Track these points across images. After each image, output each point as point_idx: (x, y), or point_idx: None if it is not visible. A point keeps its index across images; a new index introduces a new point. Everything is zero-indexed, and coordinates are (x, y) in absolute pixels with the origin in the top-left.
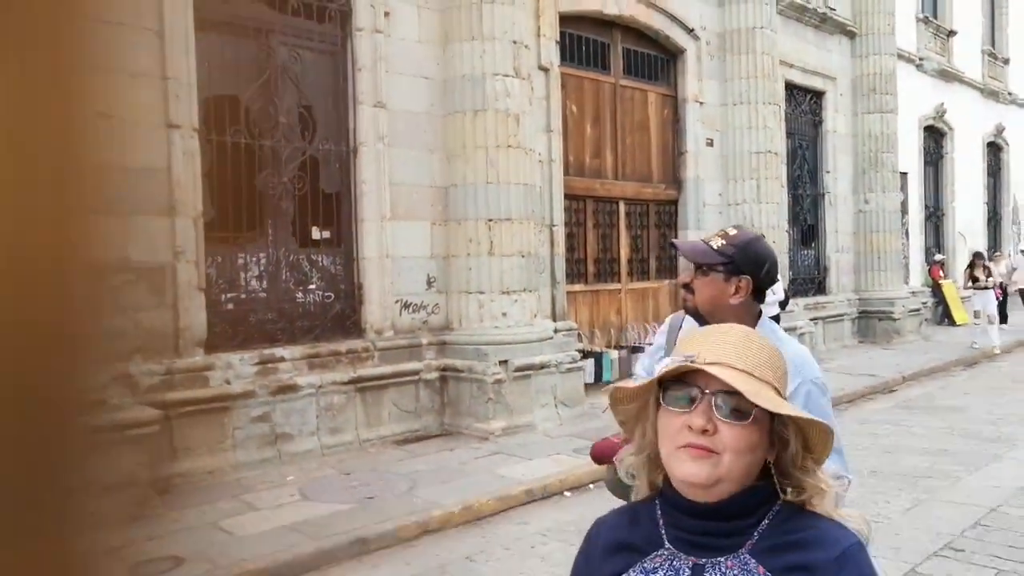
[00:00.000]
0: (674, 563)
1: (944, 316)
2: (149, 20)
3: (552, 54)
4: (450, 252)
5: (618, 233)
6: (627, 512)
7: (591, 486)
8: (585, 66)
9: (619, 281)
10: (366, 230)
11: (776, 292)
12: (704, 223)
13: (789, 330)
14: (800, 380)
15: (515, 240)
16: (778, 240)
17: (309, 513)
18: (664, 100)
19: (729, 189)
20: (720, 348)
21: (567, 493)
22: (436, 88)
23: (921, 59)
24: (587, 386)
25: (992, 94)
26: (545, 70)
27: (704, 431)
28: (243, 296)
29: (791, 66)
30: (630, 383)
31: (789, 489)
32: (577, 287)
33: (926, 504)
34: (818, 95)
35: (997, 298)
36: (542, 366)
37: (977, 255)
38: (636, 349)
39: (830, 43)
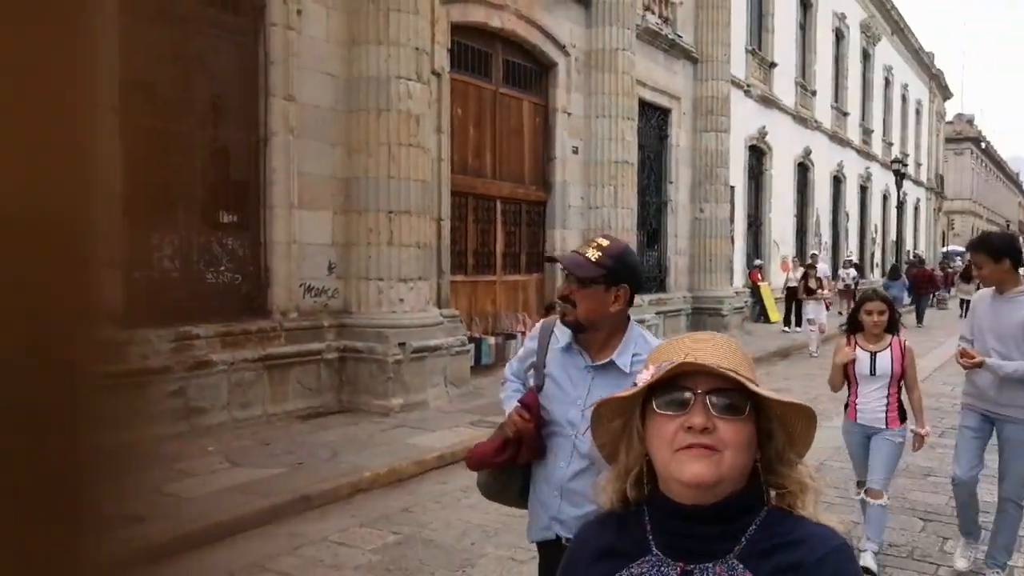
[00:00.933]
0: (662, 568)
1: (760, 314)
2: None
3: (444, 60)
4: (350, 241)
5: (495, 229)
6: (613, 519)
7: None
8: (470, 73)
9: (494, 273)
10: (274, 217)
11: None
12: (569, 223)
13: (639, 322)
14: None
15: (413, 232)
16: (631, 242)
17: (247, 477)
18: (536, 109)
19: (591, 194)
20: (702, 352)
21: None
22: (341, 85)
23: (748, 86)
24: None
25: (802, 120)
26: (438, 75)
27: (704, 429)
28: (157, 275)
29: (644, 85)
30: (619, 394)
31: (774, 491)
32: (459, 277)
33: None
34: (665, 112)
35: (828, 307)
36: (435, 349)
37: (809, 267)
38: (510, 336)
39: (676, 66)
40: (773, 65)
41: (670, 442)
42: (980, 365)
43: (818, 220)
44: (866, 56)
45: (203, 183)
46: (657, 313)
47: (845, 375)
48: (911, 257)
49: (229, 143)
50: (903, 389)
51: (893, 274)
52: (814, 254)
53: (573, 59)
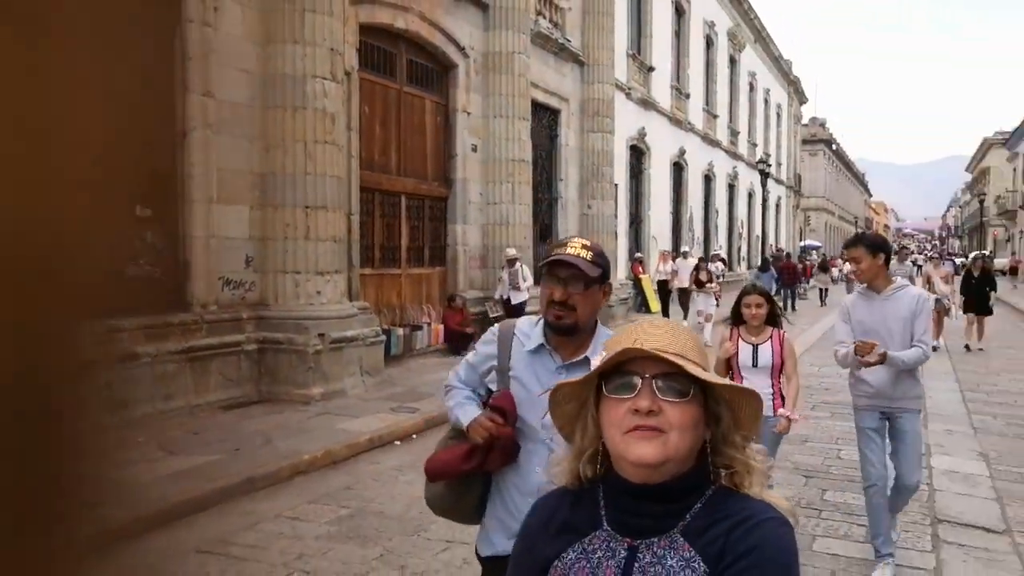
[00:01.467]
0: (611, 544)
1: (642, 305)
2: None
3: (353, 60)
4: (267, 235)
5: (400, 224)
6: (569, 495)
7: (414, 436)
8: (376, 73)
9: (400, 267)
10: (194, 211)
11: (527, 279)
12: (469, 218)
13: (532, 312)
14: None
15: (329, 226)
16: (527, 236)
17: (186, 464)
18: (438, 108)
19: (489, 190)
20: (653, 338)
21: (397, 442)
22: (257, 82)
23: (629, 89)
24: None
25: (677, 122)
26: (348, 74)
27: (650, 412)
28: None
29: (536, 87)
30: (573, 379)
31: (723, 471)
32: (366, 271)
33: None
34: (555, 113)
35: (717, 298)
36: (352, 339)
37: (701, 260)
38: (416, 328)
39: (565, 69)
40: (651, 69)
41: (620, 424)
42: (884, 359)
43: (691, 216)
44: (733, 62)
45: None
46: None
47: (728, 367)
48: (775, 251)
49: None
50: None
51: (764, 266)
52: (685, 251)
53: (472, 61)
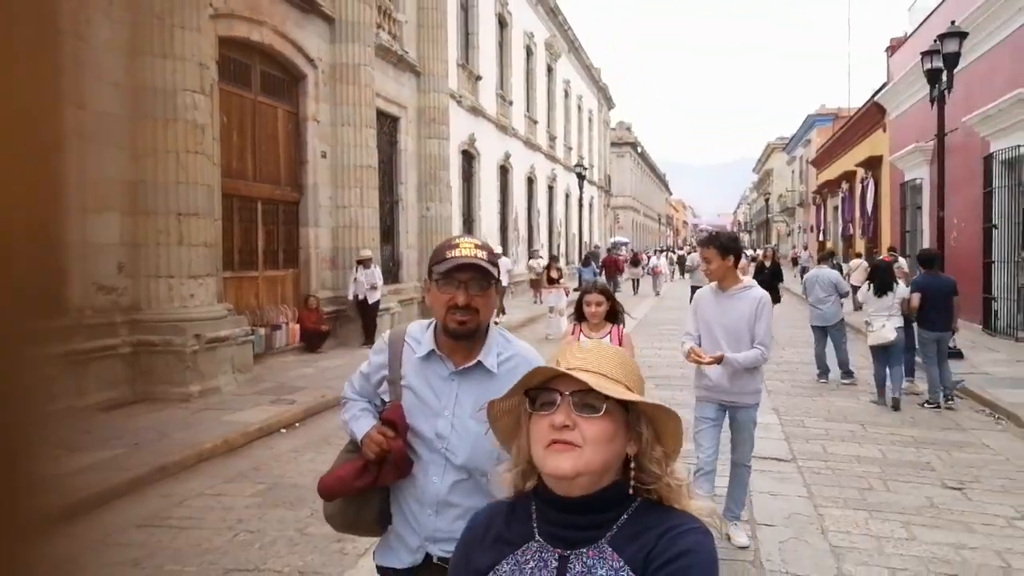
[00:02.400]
0: (543, 555)
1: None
2: None
3: (214, 72)
4: (139, 241)
5: (256, 228)
6: (505, 507)
7: (297, 424)
8: (233, 83)
9: (257, 270)
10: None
11: (380, 279)
12: (320, 222)
13: (384, 310)
14: None
15: (201, 232)
16: (374, 238)
17: (93, 458)
18: (289, 116)
19: (339, 194)
20: (577, 358)
21: (283, 430)
22: (127, 94)
23: (460, 97)
24: None
25: (503, 128)
26: (211, 86)
27: (565, 427)
28: None
29: (377, 95)
30: (496, 399)
31: (642, 481)
32: (227, 274)
33: None
34: (394, 120)
35: (567, 294)
36: (224, 339)
37: (553, 258)
38: (275, 327)
39: (403, 79)
40: (479, 78)
41: (541, 438)
42: (720, 361)
43: (516, 216)
44: (550, 71)
45: None
46: (398, 302)
47: None
48: (592, 248)
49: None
50: None
51: (586, 261)
52: (535, 250)
53: (320, 71)
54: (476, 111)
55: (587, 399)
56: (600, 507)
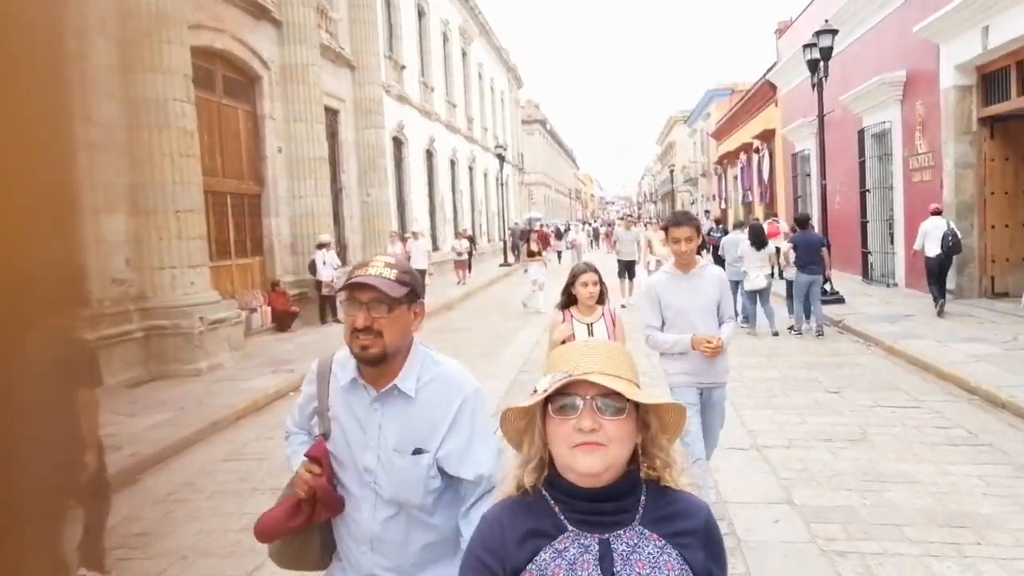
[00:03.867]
0: (582, 541)
1: None
2: None
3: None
4: (142, 237)
5: (228, 220)
6: (518, 506)
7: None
8: (201, 88)
9: (230, 259)
10: (84, 221)
11: (337, 261)
12: (280, 212)
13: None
14: (464, 395)
15: (196, 227)
16: (329, 225)
17: (151, 421)
18: (248, 116)
19: (295, 186)
20: (591, 360)
21: (291, 393)
22: (124, 106)
23: (389, 86)
24: None
25: (427, 114)
26: (192, 93)
27: (592, 430)
28: None
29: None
30: (518, 404)
31: (647, 466)
32: (208, 264)
33: (489, 361)
34: (335, 113)
35: (546, 265)
36: (223, 320)
37: (531, 231)
38: (252, 310)
39: (341, 74)
40: (404, 67)
41: (566, 440)
42: (721, 347)
43: (443, 198)
44: (464, 55)
45: None
46: None
47: None
48: (514, 224)
49: None
50: None
51: (523, 236)
52: (415, 232)
53: (273, 73)
54: (403, 99)
55: (612, 401)
56: (621, 493)
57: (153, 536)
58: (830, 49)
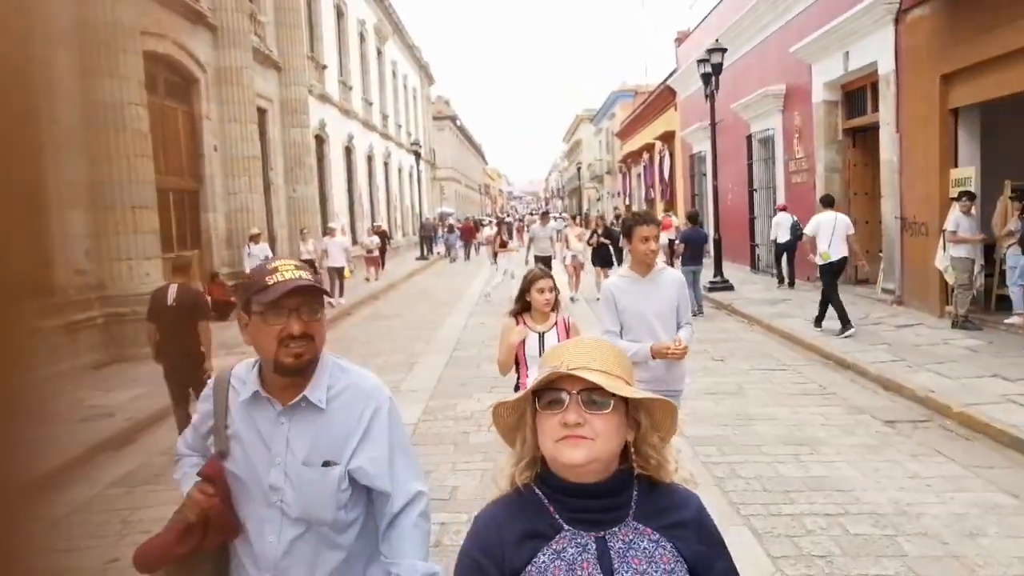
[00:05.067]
0: (578, 540)
1: None
2: None
3: None
4: (101, 231)
5: (170, 215)
6: (513, 505)
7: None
8: (146, 90)
9: (173, 251)
10: (49, 216)
11: (269, 252)
12: (217, 208)
13: None
14: (376, 404)
15: (150, 222)
16: (262, 219)
17: (131, 394)
18: (187, 116)
19: (230, 183)
20: (579, 356)
21: None
22: (81, 109)
23: (311, 86)
24: None
25: (345, 112)
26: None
27: (577, 424)
28: None
29: None
30: (509, 399)
31: (639, 463)
32: None
33: (424, 342)
34: (263, 112)
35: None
36: None
37: (500, 223)
38: None
39: (268, 75)
40: (324, 67)
41: (552, 434)
42: (686, 353)
43: (360, 194)
44: (379, 54)
45: None
46: None
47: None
48: (424, 219)
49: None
50: None
51: (451, 229)
52: (332, 227)
53: (209, 75)
54: (324, 98)
55: (595, 396)
56: (613, 490)
57: (167, 475)
58: (720, 65)
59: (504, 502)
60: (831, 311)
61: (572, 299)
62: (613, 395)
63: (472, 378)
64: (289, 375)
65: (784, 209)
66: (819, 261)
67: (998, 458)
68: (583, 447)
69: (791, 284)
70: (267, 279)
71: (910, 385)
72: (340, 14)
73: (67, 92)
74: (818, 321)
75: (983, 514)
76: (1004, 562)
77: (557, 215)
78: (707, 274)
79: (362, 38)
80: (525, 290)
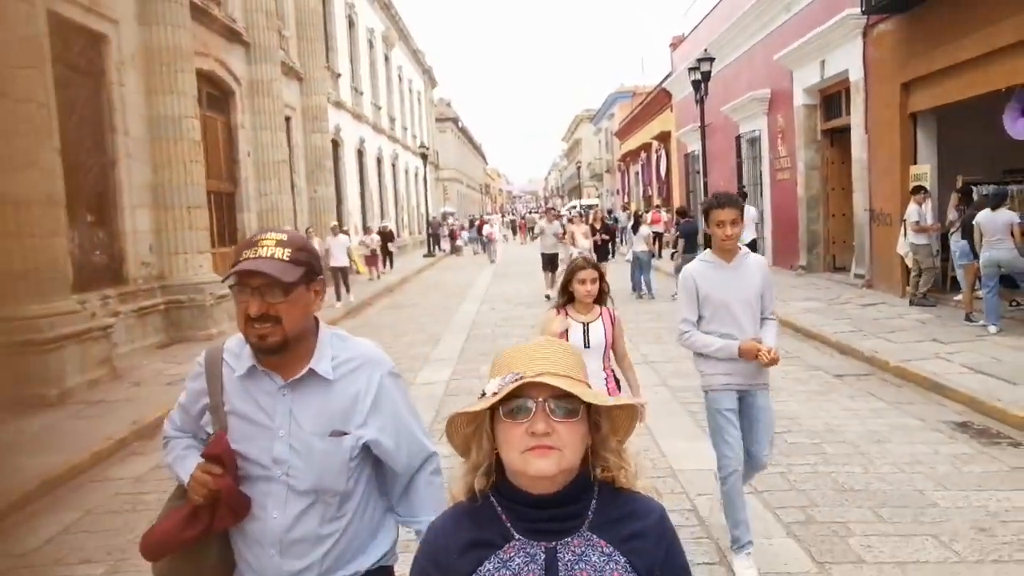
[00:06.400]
0: (528, 550)
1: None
2: None
3: None
4: (162, 228)
5: (212, 215)
6: (464, 514)
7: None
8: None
9: (215, 247)
10: (124, 215)
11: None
12: (251, 207)
13: None
14: (381, 372)
15: (202, 219)
16: (289, 219)
17: None
18: (225, 125)
19: (262, 185)
20: (539, 362)
21: None
22: (147, 122)
23: (328, 94)
24: None
25: (358, 117)
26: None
27: (546, 433)
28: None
29: None
30: (466, 409)
31: (600, 468)
32: None
33: (444, 324)
34: (287, 119)
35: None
36: (225, 296)
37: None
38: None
39: (292, 85)
40: (339, 75)
41: (517, 444)
42: (778, 358)
43: (371, 194)
44: (387, 60)
45: (84, 197)
46: None
47: None
48: (432, 219)
49: (92, 165)
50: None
51: (470, 226)
52: (334, 226)
53: (243, 88)
54: (339, 105)
55: (565, 403)
56: (571, 499)
57: None
58: (708, 73)
59: (456, 511)
60: None
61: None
62: (582, 402)
63: (490, 350)
64: (260, 354)
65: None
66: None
67: (919, 397)
68: (552, 457)
69: None
70: (244, 252)
71: (860, 348)
72: (351, 24)
73: (136, 108)
74: None
75: (892, 431)
76: (898, 458)
77: (573, 211)
78: None
79: (371, 45)
80: (567, 281)
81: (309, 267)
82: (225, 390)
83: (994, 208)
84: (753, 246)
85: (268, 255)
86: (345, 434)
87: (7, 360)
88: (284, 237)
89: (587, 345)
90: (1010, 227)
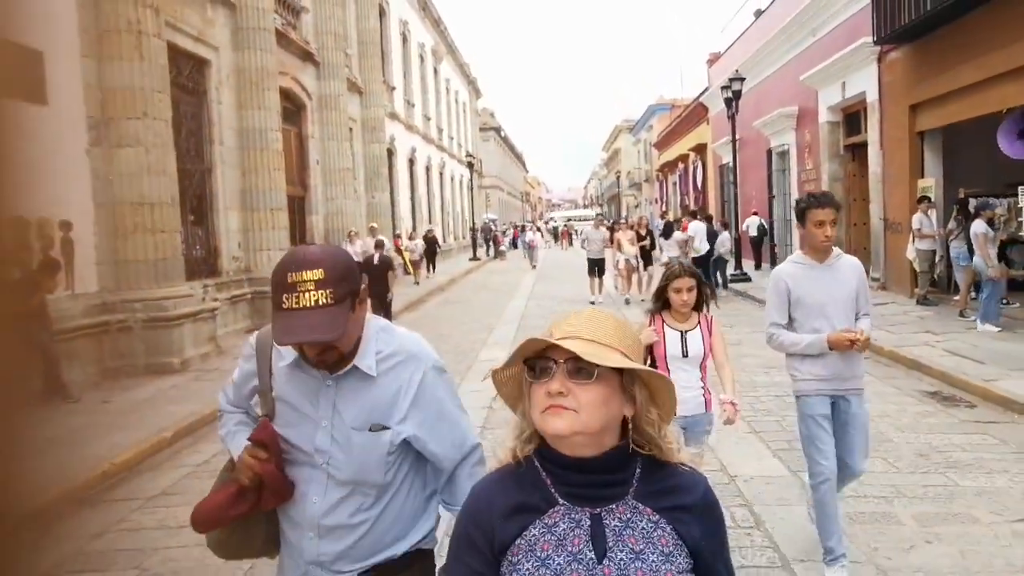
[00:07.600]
0: (572, 515)
1: (404, 270)
2: None
3: None
4: (249, 227)
5: (290, 216)
6: (509, 478)
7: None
8: None
9: (292, 243)
10: (220, 216)
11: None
12: (319, 210)
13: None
14: (425, 367)
15: (283, 220)
16: (354, 222)
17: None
18: (297, 136)
19: (330, 191)
20: (571, 326)
21: None
22: (237, 134)
23: (384, 106)
24: None
25: (410, 127)
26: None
27: (560, 393)
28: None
29: None
30: (496, 366)
31: (637, 442)
32: None
33: (496, 316)
34: (350, 131)
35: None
36: None
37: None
38: None
39: (354, 99)
40: (394, 88)
41: (539, 404)
42: (868, 343)
43: (420, 201)
44: (436, 73)
45: (187, 199)
46: None
47: (650, 359)
48: (481, 224)
49: (196, 171)
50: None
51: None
52: (372, 226)
53: (314, 102)
54: (394, 116)
55: (579, 366)
56: (613, 467)
57: None
58: (740, 91)
59: (500, 474)
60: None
61: (626, 301)
62: (598, 365)
63: None
64: (325, 368)
65: (755, 213)
66: (692, 254)
67: (901, 374)
68: (566, 417)
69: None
70: (283, 298)
71: None
72: (405, 40)
73: (229, 122)
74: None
75: (871, 396)
76: (871, 413)
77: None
78: (730, 268)
79: (421, 59)
80: (663, 288)
81: (351, 291)
82: (273, 375)
83: (974, 218)
84: (720, 261)
85: (312, 303)
86: (385, 428)
87: (143, 334)
88: (320, 274)
89: (685, 355)
90: (976, 236)
